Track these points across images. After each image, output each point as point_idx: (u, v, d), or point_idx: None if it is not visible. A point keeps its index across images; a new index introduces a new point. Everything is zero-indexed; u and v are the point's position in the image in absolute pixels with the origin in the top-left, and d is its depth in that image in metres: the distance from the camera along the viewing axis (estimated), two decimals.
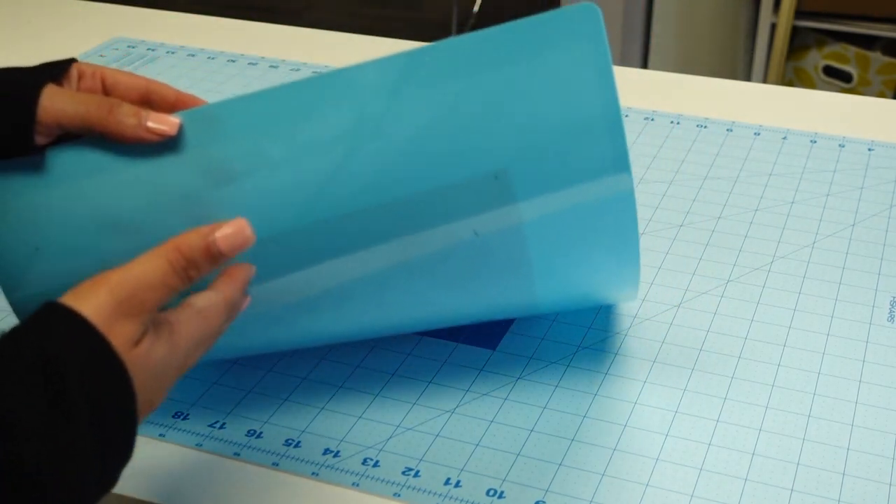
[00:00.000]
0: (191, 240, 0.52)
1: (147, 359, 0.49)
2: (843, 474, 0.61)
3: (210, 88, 1.09)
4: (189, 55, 1.17)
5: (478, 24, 2.63)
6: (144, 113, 0.57)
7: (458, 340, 0.72)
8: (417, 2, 3.05)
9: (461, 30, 2.63)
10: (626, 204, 0.59)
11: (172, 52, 1.18)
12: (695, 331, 0.73)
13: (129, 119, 0.56)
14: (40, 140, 0.57)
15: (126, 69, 0.64)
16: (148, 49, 1.19)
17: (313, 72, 1.13)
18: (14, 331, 0.46)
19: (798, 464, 0.62)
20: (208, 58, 1.17)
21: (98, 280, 0.49)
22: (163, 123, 0.57)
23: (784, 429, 0.65)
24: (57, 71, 0.59)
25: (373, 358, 0.71)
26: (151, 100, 0.61)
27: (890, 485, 0.61)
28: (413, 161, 0.57)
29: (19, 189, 0.58)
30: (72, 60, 0.60)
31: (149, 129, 0.57)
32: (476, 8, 2.64)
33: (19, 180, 0.58)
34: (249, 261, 0.57)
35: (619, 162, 0.58)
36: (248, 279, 0.56)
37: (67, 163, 0.58)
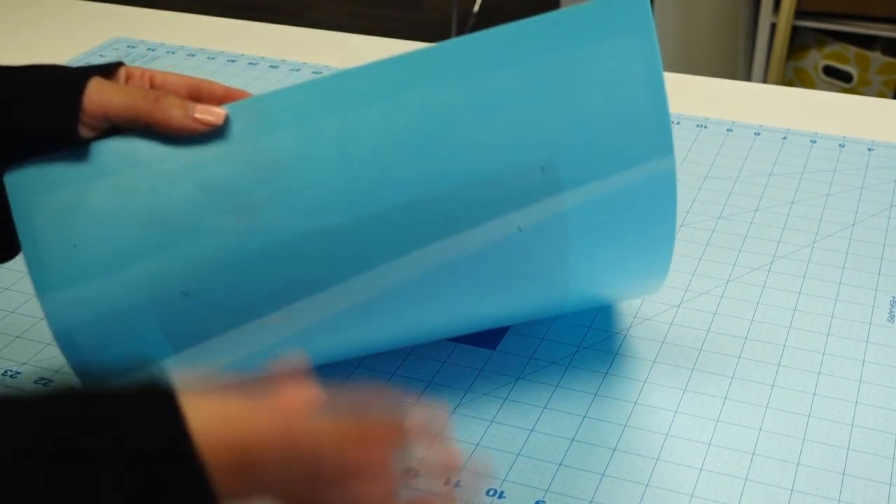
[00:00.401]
0: None
1: None
2: (843, 474, 0.61)
3: None
4: (189, 55, 1.17)
5: (478, 24, 2.63)
6: (191, 104, 0.57)
7: (458, 340, 0.72)
8: (417, 2, 3.05)
9: (461, 30, 2.63)
10: (667, 185, 0.58)
11: (172, 52, 1.18)
12: (695, 331, 0.73)
13: (175, 110, 0.56)
14: (85, 132, 0.56)
15: None
16: (148, 49, 1.19)
17: (313, 72, 1.13)
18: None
19: (798, 464, 0.62)
20: (208, 58, 1.17)
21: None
22: (209, 114, 0.57)
23: (784, 429, 0.65)
24: (104, 70, 0.59)
25: (373, 358, 0.71)
26: (200, 96, 0.60)
27: (890, 485, 0.61)
28: (461, 151, 0.56)
29: (60, 182, 0.56)
30: (119, 63, 0.60)
31: (195, 120, 0.56)
32: (476, 8, 2.64)
33: (60, 173, 0.56)
34: (298, 260, 0.55)
35: (664, 146, 0.57)
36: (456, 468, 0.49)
37: (110, 156, 0.56)
